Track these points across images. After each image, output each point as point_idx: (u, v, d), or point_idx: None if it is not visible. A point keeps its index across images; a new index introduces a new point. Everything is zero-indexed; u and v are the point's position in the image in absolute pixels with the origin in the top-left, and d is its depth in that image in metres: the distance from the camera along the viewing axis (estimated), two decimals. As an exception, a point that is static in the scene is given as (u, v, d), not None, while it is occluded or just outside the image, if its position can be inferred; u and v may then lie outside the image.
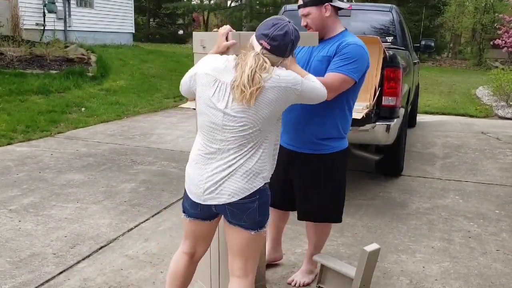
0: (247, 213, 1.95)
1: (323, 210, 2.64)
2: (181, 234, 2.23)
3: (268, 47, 1.90)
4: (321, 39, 2.49)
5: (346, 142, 2.61)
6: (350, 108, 2.56)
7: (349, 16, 5.32)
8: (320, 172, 2.56)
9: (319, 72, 2.37)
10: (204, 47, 2.24)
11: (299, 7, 2.51)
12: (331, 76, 2.35)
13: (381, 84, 3.92)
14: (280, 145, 2.68)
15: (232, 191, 1.92)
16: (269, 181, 2.02)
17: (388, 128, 4.06)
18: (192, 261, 2.20)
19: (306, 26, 2.50)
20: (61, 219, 3.68)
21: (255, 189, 1.94)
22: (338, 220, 2.72)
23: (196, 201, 2.00)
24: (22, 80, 8.72)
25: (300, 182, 2.62)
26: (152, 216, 3.81)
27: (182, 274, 2.18)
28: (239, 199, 1.93)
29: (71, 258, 3.08)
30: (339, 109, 2.49)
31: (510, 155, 6.08)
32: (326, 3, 2.45)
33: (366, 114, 3.62)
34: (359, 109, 3.62)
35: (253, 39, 1.96)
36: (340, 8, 2.51)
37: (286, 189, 2.67)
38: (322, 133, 2.50)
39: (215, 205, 1.97)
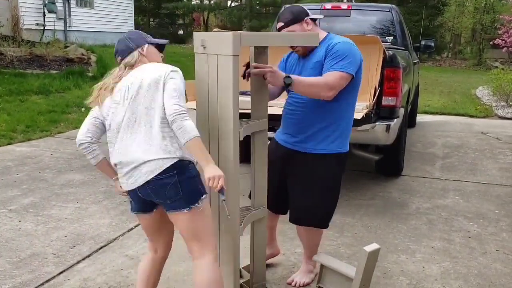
0: (167, 189, 1.97)
1: (309, 212, 2.59)
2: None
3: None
4: (310, 51, 2.51)
5: (347, 146, 2.57)
6: (352, 110, 2.56)
7: (349, 16, 5.32)
8: (313, 172, 2.53)
9: None
10: (204, 47, 2.24)
11: (281, 29, 2.51)
12: (328, 75, 2.36)
13: (381, 84, 3.92)
14: (278, 143, 2.68)
15: (147, 169, 1.97)
16: (192, 161, 2.03)
17: (388, 128, 4.05)
18: (156, 257, 2.26)
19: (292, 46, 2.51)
20: (61, 219, 3.69)
21: (169, 164, 1.96)
22: (323, 225, 2.65)
23: (127, 189, 2.08)
24: (22, 80, 8.72)
25: (293, 181, 2.61)
26: (152, 216, 3.80)
27: (146, 269, 2.25)
28: (155, 176, 1.96)
29: (71, 258, 3.08)
30: (340, 111, 2.49)
31: (510, 155, 6.08)
32: (306, 18, 2.50)
33: (366, 114, 3.61)
34: (359, 109, 3.61)
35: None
36: (315, 19, 2.56)
37: (281, 191, 2.65)
38: (322, 135, 2.49)
39: (138, 189, 2.02)
